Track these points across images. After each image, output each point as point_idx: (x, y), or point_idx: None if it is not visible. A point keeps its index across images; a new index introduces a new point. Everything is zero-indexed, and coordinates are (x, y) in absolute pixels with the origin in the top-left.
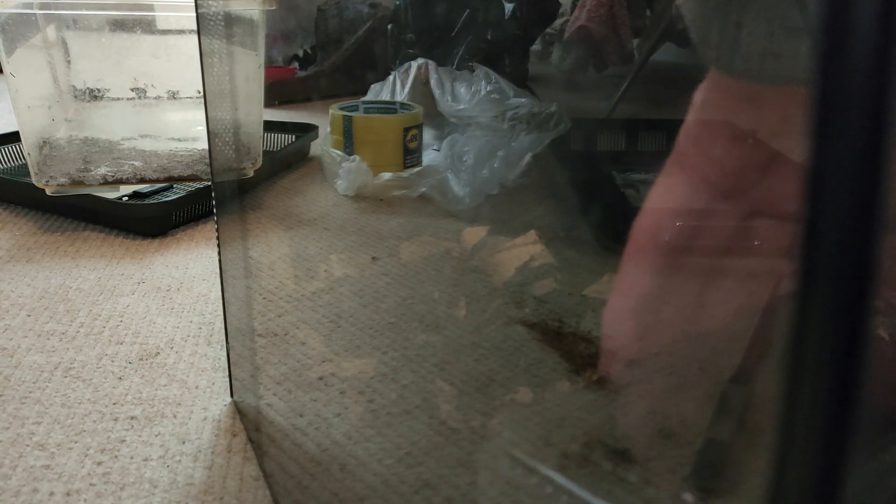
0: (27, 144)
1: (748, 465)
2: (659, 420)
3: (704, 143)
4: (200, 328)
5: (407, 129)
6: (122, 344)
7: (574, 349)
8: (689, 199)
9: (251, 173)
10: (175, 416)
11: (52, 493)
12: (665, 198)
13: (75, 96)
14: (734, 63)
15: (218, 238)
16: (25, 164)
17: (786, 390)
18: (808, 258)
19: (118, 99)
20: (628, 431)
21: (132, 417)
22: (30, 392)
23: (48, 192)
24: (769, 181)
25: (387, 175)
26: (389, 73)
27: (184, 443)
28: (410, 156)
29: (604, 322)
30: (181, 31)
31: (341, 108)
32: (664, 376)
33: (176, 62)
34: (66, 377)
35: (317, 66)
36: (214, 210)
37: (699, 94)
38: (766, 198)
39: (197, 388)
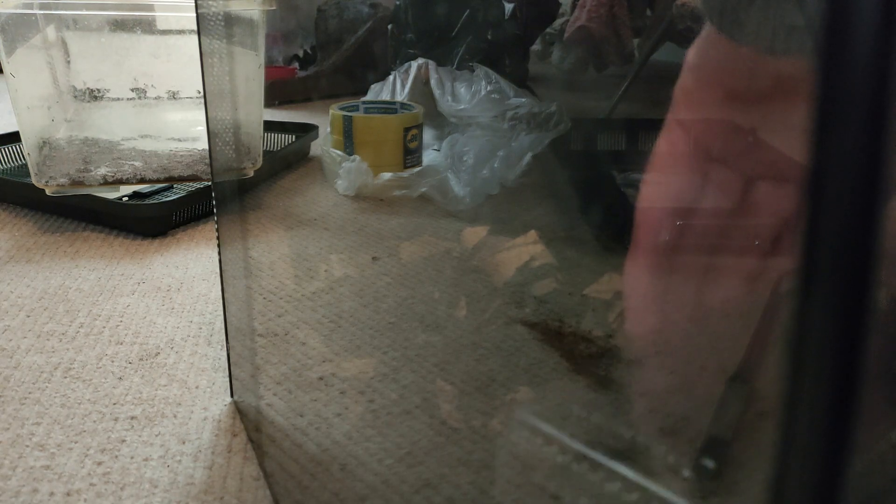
0: (27, 145)
1: (749, 463)
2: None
3: (698, 102)
4: (200, 328)
5: (407, 129)
6: (122, 344)
7: (574, 349)
8: (687, 160)
9: (251, 173)
10: (175, 416)
11: (52, 494)
12: (665, 160)
13: (75, 96)
14: (740, 29)
15: (218, 238)
16: (25, 165)
17: (787, 387)
18: (809, 254)
19: (118, 99)
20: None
21: (132, 417)
22: (29, 393)
23: (48, 192)
24: (764, 143)
25: (387, 175)
26: (389, 73)
27: (184, 443)
28: (410, 156)
29: (624, 289)
30: (181, 31)
31: (341, 108)
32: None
33: (176, 62)
34: (65, 377)
35: (317, 66)
36: (214, 210)
37: (694, 52)
38: (762, 160)
39: (197, 388)
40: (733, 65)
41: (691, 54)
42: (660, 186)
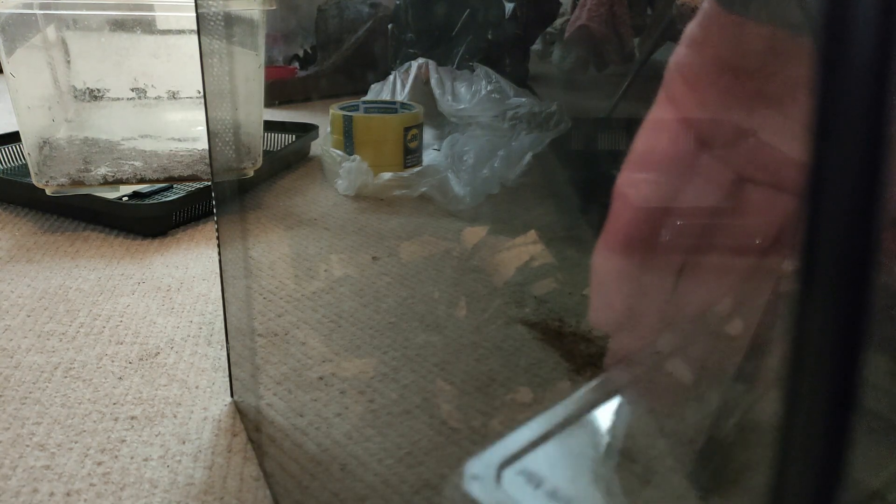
0: (27, 144)
1: (749, 464)
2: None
3: (694, 77)
4: (200, 328)
5: (407, 129)
6: (122, 344)
7: (574, 349)
8: (674, 141)
9: (251, 173)
10: (175, 416)
11: (52, 494)
12: (650, 141)
13: (75, 96)
14: (744, 1)
15: (218, 238)
16: (25, 164)
17: (787, 388)
18: (808, 255)
19: (118, 99)
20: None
21: (132, 417)
22: (30, 392)
23: (48, 192)
24: (756, 131)
25: (387, 175)
26: (390, 73)
27: (184, 443)
28: (411, 155)
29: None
30: (181, 31)
31: (341, 108)
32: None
33: (176, 62)
34: (66, 377)
35: (317, 65)
36: (214, 210)
37: (693, 25)
38: (754, 151)
39: (197, 387)
40: (734, 39)
41: (689, 27)
42: (641, 169)
